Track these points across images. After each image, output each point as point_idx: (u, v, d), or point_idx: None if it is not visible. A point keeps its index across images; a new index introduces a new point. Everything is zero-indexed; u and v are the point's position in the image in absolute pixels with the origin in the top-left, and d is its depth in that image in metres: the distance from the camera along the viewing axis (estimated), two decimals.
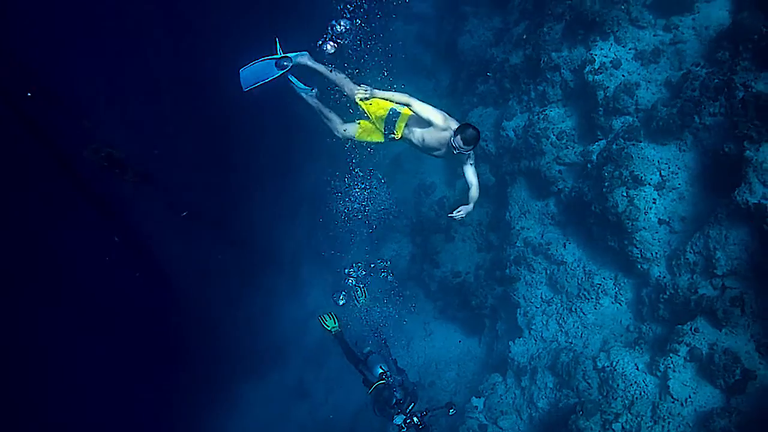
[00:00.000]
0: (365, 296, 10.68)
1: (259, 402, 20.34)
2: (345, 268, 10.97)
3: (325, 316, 10.21)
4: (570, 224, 12.18)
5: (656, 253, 9.97)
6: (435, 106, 6.34)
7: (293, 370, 19.83)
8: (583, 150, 11.86)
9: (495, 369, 12.82)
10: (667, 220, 9.94)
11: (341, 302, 10.27)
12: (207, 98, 18.55)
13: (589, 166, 11.35)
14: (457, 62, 18.14)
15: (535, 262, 12.49)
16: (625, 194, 10.23)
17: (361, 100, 6.55)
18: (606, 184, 10.44)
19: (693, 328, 8.78)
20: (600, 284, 11.09)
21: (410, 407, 8.98)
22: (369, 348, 10.16)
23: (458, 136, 5.92)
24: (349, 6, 7.11)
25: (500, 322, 13.53)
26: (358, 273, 10.92)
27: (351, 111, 6.89)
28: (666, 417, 8.62)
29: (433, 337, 15.73)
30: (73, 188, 14.46)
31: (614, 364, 9.70)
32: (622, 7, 11.52)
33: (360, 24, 7.05)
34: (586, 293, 11.27)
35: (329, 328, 10.13)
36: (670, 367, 8.86)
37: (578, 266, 11.64)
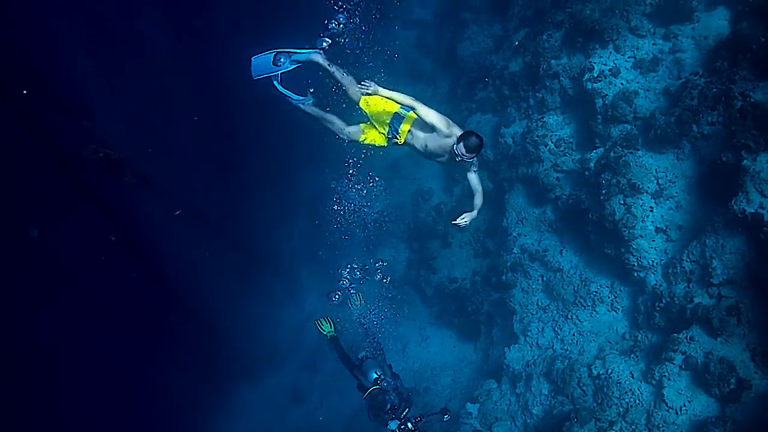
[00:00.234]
0: (360, 301, 10.67)
1: (254, 405, 20.27)
2: (339, 269, 10.95)
3: (322, 320, 10.18)
4: (567, 231, 12.18)
5: (653, 261, 9.98)
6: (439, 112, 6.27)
7: (289, 373, 19.77)
8: (580, 157, 11.87)
9: (490, 375, 12.81)
10: (664, 228, 9.94)
11: (335, 301, 10.24)
12: (207, 99, 18.58)
13: (586, 173, 11.36)
14: (456, 69, 18.18)
15: (531, 269, 12.49)
16: (622, 202, 10.24)
17: (364, 95, 6.44)
18: (603, 191, 10.44)
19: (688, 337, 8.78)
20: (596, 292, 11.08)
21: (405, 413, 8.93)
22: (364, 353, 10.11)
23: (461, 144, 5.86)
24: (345, 4, 7.09)
25: (496, 329, 13.52)
26: (353, 274, 10.90)
27: (353, 114, 6.84)
28: (660, 425, 8.62)
29: (428, 342, 15.70)
30: (72, 188, 14.44)
31: (609, 371, 9.70)
32: (622, 15, 11.56)
33: (357, 23, 7.02)
34: (582, 300, 11.27)
35: (325, 332, 10.10)
36: (665, 376, 8.86)
37: (575, 273, 11.64)
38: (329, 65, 6.46)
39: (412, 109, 6.23)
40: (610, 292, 10.96)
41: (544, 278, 12.26)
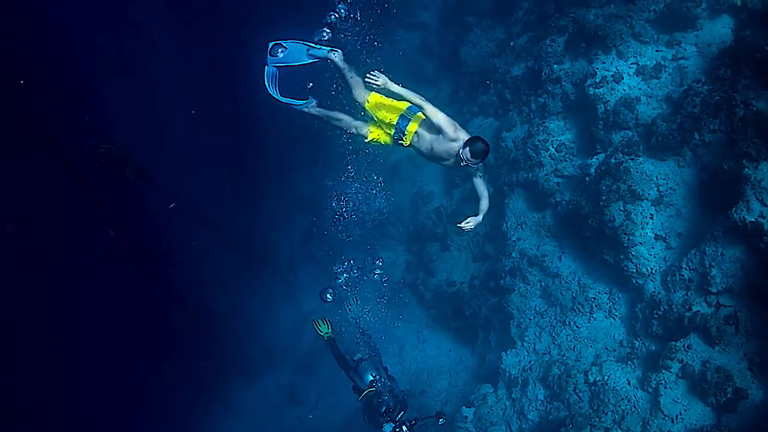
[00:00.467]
0: (356, 304, 10.66)
1: (251, 405, 20.25)
2: (335, 266, 10.91)
3: (319, 321, 10.16)
4: (566, 237, 12.15)
5: (651, 268, 9.93)
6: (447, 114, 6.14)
7: (286, 374, 19.75)
8: (581, 163, 11.85)
9: (486, 379, 12.76)
10: (664, 235, 9.91)
11: (329, 300, 10.19)
12: (209, 99, 18.59)
13: (587, 179, 11.34)
14: (458, 72, 18.17)
15: (530, 274, 12.45)
16: (622, 209, 10.21)
17: (372, 90, 6.28)
18: (603, 197, 10.41)
19: (686, 345, 8.74)
20: (594, 298, 11.05)
21: (400, 415, 8.91)
22: (360, 355, 10.10)
23: (467, 149, 5.78)
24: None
25: (493, 333, 13.49)
26: (350, 272, 10.86)
27: (360, 113, 6.75)
28: None
29: (425, 345, 15.67)
30: (73, 183, 14.44)
31: (606, 378, 9.67)
32: (626, 21, 11.55)
33: (358, 16, 6.96)
34: (580, 306, 11.24)
35: (322, 334, 10.08)
36: (661, 383, 8.83)
37: (573, 279, 11.60)
38: (345, 66, 6.40)
39: (421, 109, 6.09)
40: (608, 298, 10.92)
41: (543, 283, 12.23)
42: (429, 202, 17.12)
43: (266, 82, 6.81)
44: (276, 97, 6.81)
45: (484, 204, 6.38)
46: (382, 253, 17.78)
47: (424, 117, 6.20)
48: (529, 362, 11.66)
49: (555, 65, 12.84)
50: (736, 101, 8.89)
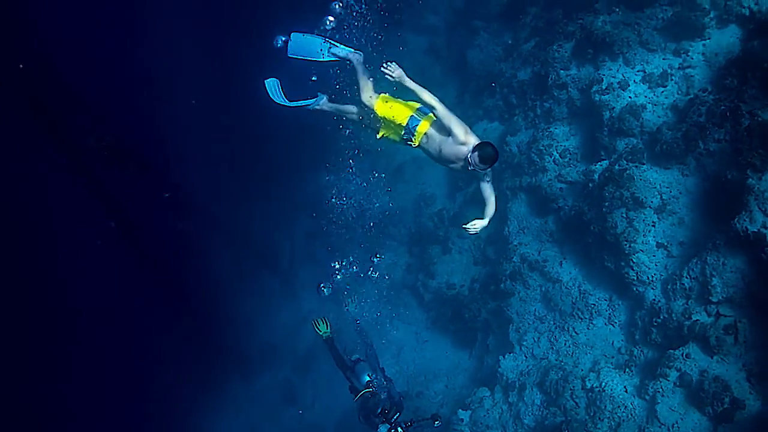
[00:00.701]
0: (355, 302, 10.65)
1: (248, 402, 20.26)
2: (334, 261, 10.88)
3: (319, 320, 10.16)
4: (568, 242, 12.13)
5: (652, 276, 9.91)
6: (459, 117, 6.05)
7: (283, 372, 19.76)
8: (585, 169, 11.83)
9: (483, 383, 12.74)
10: (666, 243, 9.89)
11: (325, 294, 10.18)
12: (213, 97, 18.61)
13: (590, 185, 11.32)
14: (465, 75, 18.17)
15: (530, 279, 12.43)
16: (624, 215, 10.20)
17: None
18: (606, 204, 10.40)
19: (684, 354, 8.72)
20: (594, 304, 11.03)
21: (395, 417, 8.89)
22: (357, 355, 10.10)
23: (476, 153, 5.70)
24: None
25: (492, 337, 13.46)
26: (349, 268, 10.83)
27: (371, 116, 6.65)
28: None
29: (424, 347, 15.64)
30: (75, 174, 14.48)
31: (603, 385, 9.63)
32: (634, 29, 11.54)
33: (362, 9, 6.92)
34: (579, 312, 11.22)
35: (321, 333, 10.08)
36: (659, 392, 8.80)
37: (573, 285, 11.58)
38: (361, 69, 6.35)
39: (432, 109, 6.01)
40: (608, 305, 10.90)
41: (543, 288, 12.20)
42: (432, 204, 17.11)
43: (271, 95, 6.81)
44: (286, 104, 6.79)
45: (490, 209, 6.30)
46: (382, 253, 17.78)
47: (435, 118, 6.14)
48: (527, 367, 11.64)
49: (561, 71, 12.83)
50: (741, 111, 8.87)
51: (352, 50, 6.50)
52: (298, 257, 21.98)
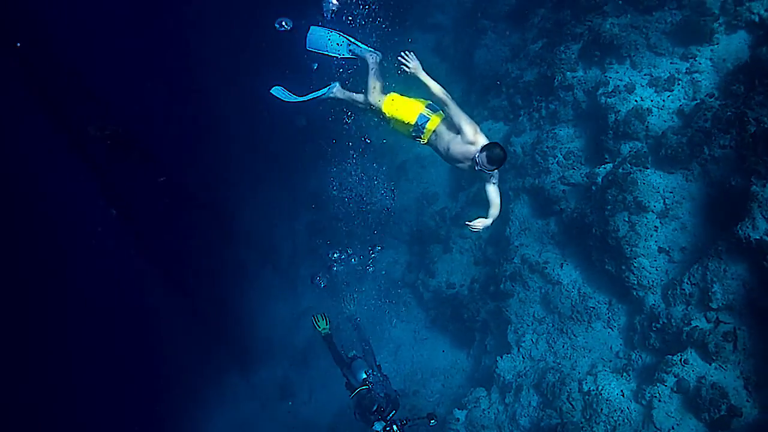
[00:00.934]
0: (353, 298, 10.66)
1: (245, 396, 20.30)
2: (328, 253, 10.88)
3: (318, 316, 10.17)
4: (569, 245, 12.09)
5: (653, 281, 9.87)
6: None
7: (281, 367, 19.78)
8: (588, 172, 11.79)
9: (480, 383, 12.73)
10: (667, 248, 9.84)
11: (319, 284, 10.20)
12: (216, 92, 18.60)
13: (593, 188, 11.27)
14: (471, 75, 18.12)
15: (530, 280, 12.40)
16: (626, 219, 10.16)
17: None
18: (609, 207, 10.36)
19: (682, 360, 8.68)
20: (593, 308, 11.00)
21: (391, 414, 8.88)
22: (354, 352, 10.11)
23: (483, 153, 5.61)
24: None
25: (490, 337, 13.43)
26: (348, 260, 10.83)
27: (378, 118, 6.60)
28: None
29: (422, 346, 15.63)
30: (78, 162, 14.48)
31: (600, 388, 9.61)
32: (642, 32, 11.49)
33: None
34: (578, 315, 11.19)
35: (320, 329, 10.09)
36: (655, 397, 8.76)
37: (573, 288, 11.55)
38: (375, 68, 6.30)
39: (443, 105, 5.96)
40: (607, 309, 10.87)
41: (543, 290, 12.18)
42: (434, 203, 17.10)
43: (283, 99, 6.78)
44: (300, 100, 6.75)
45: (494, 211, 6.20)
46: (383, 252, 17.77)
47: (445, 115, 6.09)
48: (524, 368, 11.61)
49: (568, 72, 12.79)
50: (748, 118, 8.81)
51: (372, 50, 6.43)
52: (300, 252, 21.99)
